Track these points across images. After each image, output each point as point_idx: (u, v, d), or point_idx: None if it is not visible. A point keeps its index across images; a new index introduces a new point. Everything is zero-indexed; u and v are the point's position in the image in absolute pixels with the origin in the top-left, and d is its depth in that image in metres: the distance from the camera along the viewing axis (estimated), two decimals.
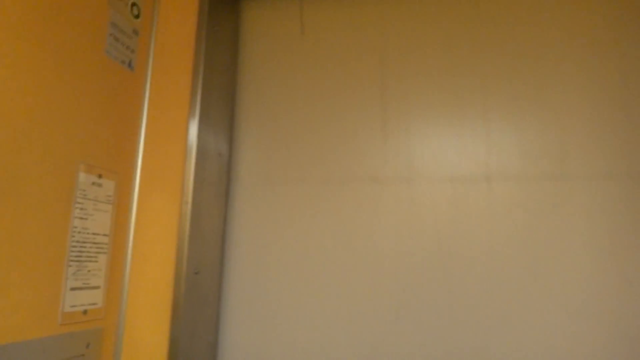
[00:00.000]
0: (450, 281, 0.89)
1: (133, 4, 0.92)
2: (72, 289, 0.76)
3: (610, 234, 0.84)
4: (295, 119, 1.02)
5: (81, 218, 0.78)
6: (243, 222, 1.01)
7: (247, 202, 1.01)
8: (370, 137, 0.98)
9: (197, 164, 0.89)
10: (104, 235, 0.83)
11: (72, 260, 0.76)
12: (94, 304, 0.81)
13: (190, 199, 0.87)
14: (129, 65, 0.90)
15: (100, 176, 0.82)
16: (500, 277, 0.87)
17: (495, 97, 0.94)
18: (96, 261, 0.81)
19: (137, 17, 0.93)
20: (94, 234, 0.81)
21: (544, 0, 0.95)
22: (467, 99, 0.95)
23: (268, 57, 1.07)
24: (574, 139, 0.89)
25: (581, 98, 0.90)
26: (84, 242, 0.79)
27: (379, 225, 0.94)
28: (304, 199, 0.98)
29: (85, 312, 0.79)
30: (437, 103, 0.96)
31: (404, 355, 0.88)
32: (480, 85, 0.95)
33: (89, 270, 0.80)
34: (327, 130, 1.00)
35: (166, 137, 0.91)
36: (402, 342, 0.89)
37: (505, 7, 0.97)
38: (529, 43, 0.94)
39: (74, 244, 0.76)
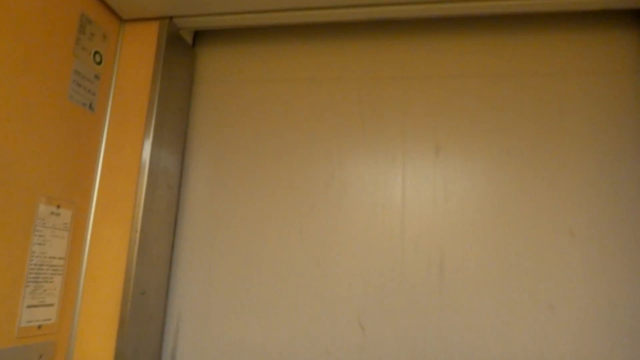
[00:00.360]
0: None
1: (96, 52, 1.04)
2: (29, 306, 0.87)
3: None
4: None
5: (39, 244, 0.89)
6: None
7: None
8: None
9: (147, 196, 1.02)
10: (60, 258, 0.94)
11: (29, 281, 0.87)
12: (48, 319, 0.92)
13: (139, 227, 0.99)
14: (90, 106, 1.02)
15: (58, 206, 0.94)
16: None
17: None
18: (52, 282, 0.92)
19: (99, 63, 1.05)
20: (50, 257, 0.92)
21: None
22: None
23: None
24: None
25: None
26: (42, 265, 0.90)
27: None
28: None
29: (39, 327, 0.90)
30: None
31: None
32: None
33: (44, 290, 0.91)
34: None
35: (120, 171, 1.03)
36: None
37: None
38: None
39: (32, 266, 0.87)
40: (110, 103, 1.08)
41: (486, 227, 1.04)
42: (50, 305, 0.92)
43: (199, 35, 1.26)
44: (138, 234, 0.99)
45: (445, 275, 1.03)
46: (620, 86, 1.07)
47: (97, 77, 1.04)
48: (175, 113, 1.13)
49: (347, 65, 1.18)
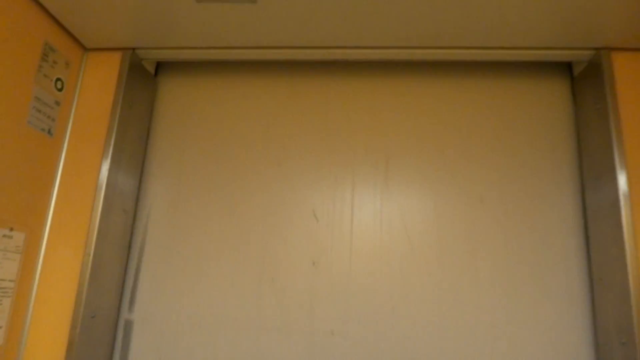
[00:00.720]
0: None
1: (58, 79, 1.07)
2: None
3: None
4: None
5: None
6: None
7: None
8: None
9: (101, 220, 1.04)
10: (10, 281, 0.95)
11: None
12: None
13: (92, 251, 1.01)
14: (49, 132, 1.05)
15: (11, 229, 0.95)
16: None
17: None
18: (0, 304, 0.93)
19: (60, 90, 1.08)
20: (0, 279, 0.93)
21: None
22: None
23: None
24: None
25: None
26: None
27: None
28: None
29: None
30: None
31: None
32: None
33: None
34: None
35: (76, 195, 1.06)
36: None
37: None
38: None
39: None
40: (69, 128, 1.10)
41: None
42: None
43: (162, 65, 1.31)
44: (91, 257, 1.01)
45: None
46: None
47: (57, 103, 1.07)
48: (134, 140, 1.17)
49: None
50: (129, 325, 1.13)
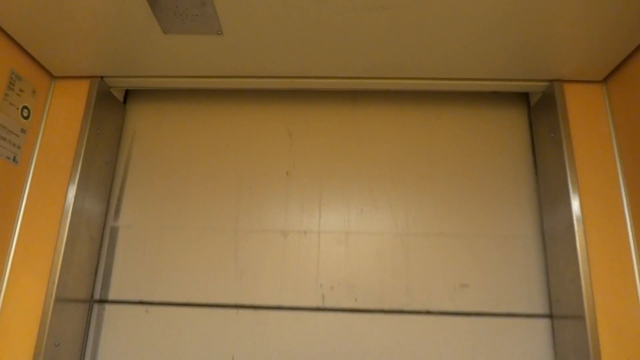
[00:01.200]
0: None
1: (24, 107, 1.08)
2: None
3: None
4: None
5: None
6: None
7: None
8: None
9: (66, 247, 1.04)
10: None
11: None
12: None
13: (56, 279, 1.01)
14: (14, 159, 1.05)
15: None
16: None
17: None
18: None
19: (26, 118, 1.08)
20: None
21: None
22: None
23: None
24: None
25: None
26: None
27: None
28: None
29: None
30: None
31: None
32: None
33: None
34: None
35: (40, 225, 1.05)
36: None
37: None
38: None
39: None
40: (35, 156, 1.11)
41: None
42: None
43: (132, 92, 1.32)
44: (55, 285, 1.01)
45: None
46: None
47: (23, 130, 1.08)
48: (101, 166, 1.18)
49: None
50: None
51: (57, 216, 1.06)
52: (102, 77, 1.16)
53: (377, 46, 1.01)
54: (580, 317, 0.98)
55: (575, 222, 1.03)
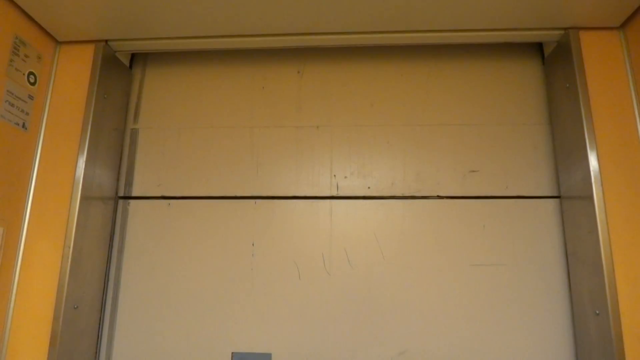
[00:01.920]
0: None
1: (30, 73, 1.07)
2: None
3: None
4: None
5: None
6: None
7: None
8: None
9: (80, 212, 1.05)
10: None
11: None
12: None
13: (72, 243, 1.02)
14: (23, 126, 1.04)
15: None
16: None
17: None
18: None
19: (33, 84, 1.08)
20: None
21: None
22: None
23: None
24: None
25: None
26: None
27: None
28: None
29: None
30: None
31: None
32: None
33: None
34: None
35: (54, 188, 1.06)
36: None
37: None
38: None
39: None
40: (44, 122, 1.10)
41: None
42: None
43: (137, 59, 1.31)
44: (71, 250, 1.02)
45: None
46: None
47: (31, 97, 1.07)
48: (110, 132, 1.17)
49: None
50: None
51: (68, 181, 1.06)
52: (106, 41, 1.15)
53: None
54: (598, 268, 0.97)
55: (592, 176, 1.01)
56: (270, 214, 1.18)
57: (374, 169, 1.19)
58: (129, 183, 1.22)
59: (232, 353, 1.10)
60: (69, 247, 1.01)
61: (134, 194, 1.21)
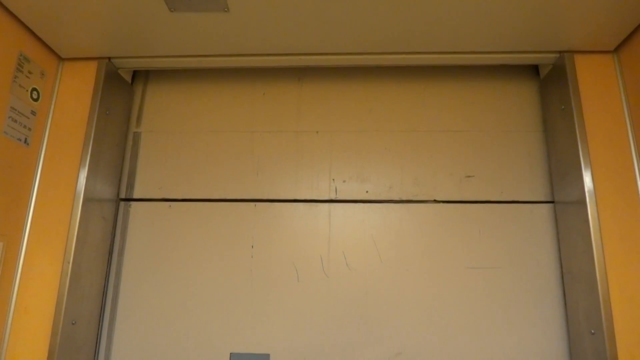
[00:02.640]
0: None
1: (33, 89, 1.08)
2: None
3: None
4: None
5: None
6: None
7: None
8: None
9: (80, 228, 1.05)
10: None
11: None
12: None
13: (71, 259, 1.02)
14: (25, 141, 1.05)
15: None
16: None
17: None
18: None
19: (36, 100, 1.09)
20: None
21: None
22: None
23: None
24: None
25: None
26: None
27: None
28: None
29: None
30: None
31: None
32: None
33: None
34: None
35: (54, 204, 1.06)
36: None
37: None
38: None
39: None
40: (46, 138, 1.11)
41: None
42: None
43: (139, 73, 1.33)
44: (70, 265, 1.02)
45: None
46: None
47: (33, 112, 1.08)
48: (112, 147, 1.18)
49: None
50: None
51: (69, 197, 1.07)
52: (109, 58, 1.16)
53: (384, 21, 1.00)
54: (593, 286, 0.98)
55: (587, 195, 1.02)
56: (269, 216, 1.20)
57: (372, 173, 1.22)
58: (130, 186, 1.24)
59: (231, 354, 1.10)
60: (69, 263, 1.02)
61: (135, 196, 1.23)
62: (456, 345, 1.09)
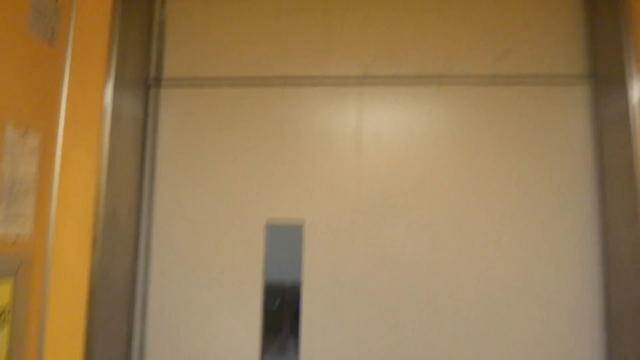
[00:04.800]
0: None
1: None
2: (3, 221, 0.94)
3: None
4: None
5: (10, 164, 0.95)
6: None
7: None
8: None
9: (112, 121, 1.07)
10: (31, 179, 1.01)
11: (3, 197, 0.94)
12: (22, 235, 0.99)
13: (106, 150, 1.05)
14: (50, 40, 1.06)
15: (26, 130, 0.99)
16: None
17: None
18: (24, 200, 0.99)
19: None
20: (22, 177, 0.98)
21: None
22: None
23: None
24: None
25: None
26: (13, 184, 0.96)
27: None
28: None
29: (14, 242, 0.97)
30: None
31: None
32: None
33: (17, 207, 0.97)
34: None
35: (85, 100, 1.08)
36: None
37: None
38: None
39: (4, 184, 0.94)
40: (71, 37, 1.11)
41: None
42: (25, 222, 0.99)
43: None
44: (106, 156, 1.05)
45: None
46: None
47: (55, 12, 1.08)
48: (136, 43, 1.18)
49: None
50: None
51: (99, 92, 1.08)
52: None
53: None
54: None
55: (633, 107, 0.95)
56: (298, 98, 1.21)
57: (403, 50, 1.20)
58: (159, 67, 1.26)
59: (267, 219, 1.17)
60: (104, 154, 1.05)
61: (165, 75, 1.25)
62: (492, 220, 1.12)
